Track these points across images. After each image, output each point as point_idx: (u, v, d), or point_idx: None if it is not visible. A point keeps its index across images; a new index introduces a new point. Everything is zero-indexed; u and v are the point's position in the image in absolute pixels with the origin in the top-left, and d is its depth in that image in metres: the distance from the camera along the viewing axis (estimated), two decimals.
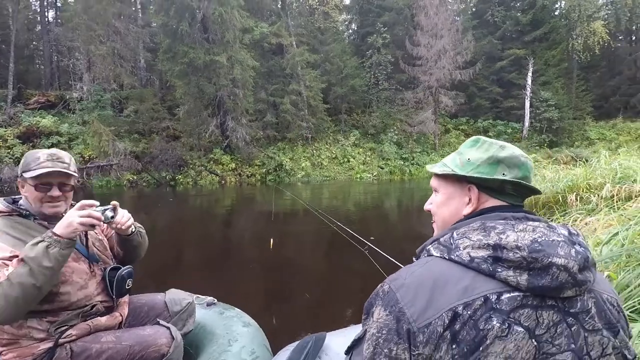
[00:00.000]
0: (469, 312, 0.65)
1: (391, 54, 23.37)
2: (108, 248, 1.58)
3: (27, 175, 1.35)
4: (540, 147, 20.03)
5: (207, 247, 6.19)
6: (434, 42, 21.28)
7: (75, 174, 1.44)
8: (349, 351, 0.79)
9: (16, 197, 1.46)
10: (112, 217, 1.38)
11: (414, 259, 0.84)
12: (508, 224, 0.74)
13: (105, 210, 1.35)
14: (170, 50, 16.87)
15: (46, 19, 26.10)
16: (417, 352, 0.66)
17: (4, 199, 1.42)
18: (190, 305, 1.69)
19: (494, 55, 24.46)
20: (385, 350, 0.68)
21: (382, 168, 19.90)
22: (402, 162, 20.29)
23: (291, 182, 17.39)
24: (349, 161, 20.10)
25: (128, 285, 1.49)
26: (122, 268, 1.49)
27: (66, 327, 1.34)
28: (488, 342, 0.64)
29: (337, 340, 1.27)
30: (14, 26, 20.97)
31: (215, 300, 2.05)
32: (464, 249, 0.72)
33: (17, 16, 21.89)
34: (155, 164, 16.70)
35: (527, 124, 22.77)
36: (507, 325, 0.65)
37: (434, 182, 0.92)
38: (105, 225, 1.42)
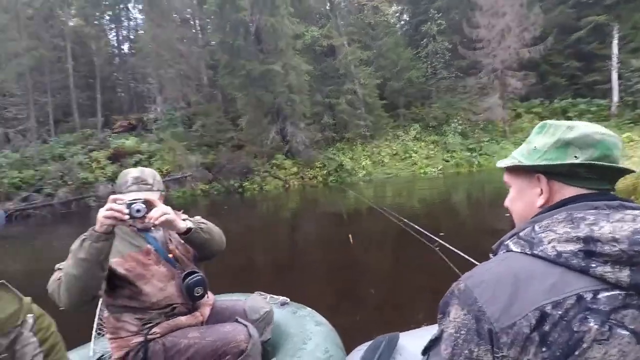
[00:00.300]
0: (559, 312, 0.58)
1: (448, 40, 22.26)
2: (190, 250, 1.64)
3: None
4: (635, 125, 17.64)
5: (277, 249, 6.41)
6: (495, 22, 19.82)
7: (159, 191, 1.54)
8: (425, 352, 0.75)
9: None
10: (139, 212, 1.28)
11: (490, 255, 0.79)
12: (601, 213, 0.66)
13: (132, 204, 1.28)
14: (229, 65, 17.83)
15: (122, 51, 29.14)
16: (501, 354, 0.61)
17: None
18: (268, 315, 1.72)
19: (569, 26, 22.03)
20: (466, 352, 0.64)
21: (447, 161, 18.97)
22: (469, 154, 19.11)
23: (353, 181, 17.36)
24: (411, 156, 19.50)
25: (197, 293, 1.54)
26: (192, 276, 1.54)
27: (152, 324, 1.47)
28: (585, 345, 0.57)
29: (411, 341, 1.25)
30: (98, 61, 23.73)
31: (289, 300, 2.10)
32: (549, 242, 0.65)
33: (99, 52, 24.75)
34: (224, 173, 17.73)
35: (615, 99, 20.17)
36: (607, 327, 0.57)
37: (505, 177, 0.87)
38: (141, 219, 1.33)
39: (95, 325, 1.96)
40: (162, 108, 20.33)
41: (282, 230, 8.44)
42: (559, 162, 0.73)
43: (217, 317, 1.70)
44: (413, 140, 20.43)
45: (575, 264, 0.61)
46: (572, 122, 0.77)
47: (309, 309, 2.04)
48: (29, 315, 0.97)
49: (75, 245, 1.29)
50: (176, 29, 20.13)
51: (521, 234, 0.72)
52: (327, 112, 20.23)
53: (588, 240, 0.62)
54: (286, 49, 17.09)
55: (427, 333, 1.25)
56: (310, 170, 18.21)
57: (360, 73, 20.23)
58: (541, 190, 0.77)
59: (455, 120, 20.63)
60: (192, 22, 26.47)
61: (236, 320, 1.61)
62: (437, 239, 2.49)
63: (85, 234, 1.28)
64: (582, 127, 0.75)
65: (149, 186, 1.51)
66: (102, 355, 1.77)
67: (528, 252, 0.67)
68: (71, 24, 24.20)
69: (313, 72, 18.83)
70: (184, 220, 1.50)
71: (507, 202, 0.87)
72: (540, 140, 0.78)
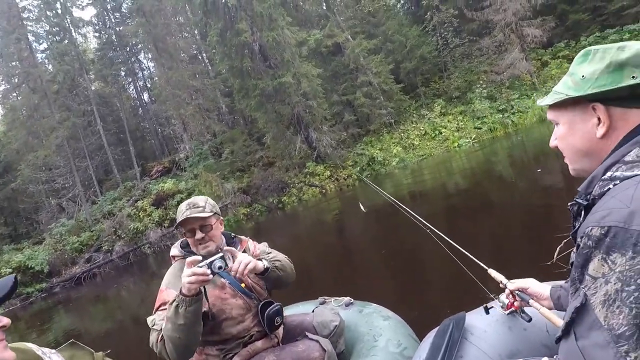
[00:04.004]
0: None
1: (452, 7, 21.55)
2: (261, 278, 1.64)
3: (178, 225, 1.55)
4: None
5: (329, 253, 6.40)
6: None
7: (212, 213, 1.56)
8: (568, 328, 0.63)
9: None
10: (221, 268, 1.32)
11: (569, 206, 0.74)
12: None
13: (213, 262, 1.31)
14: (242, 88, 18.23)
15: (143, 101, 30.65)
16: None
17: (179, 243, 1.66)
18: (338, 327, 1.69)
19: None
20: None
21: (479, 128, 18.21)
22: (501, 115, 18.22)
23: (387, 171, 17.09)
24: (440, 133, 18.92)
25: (277, 322, 1.56)
26: (271, 307, 1.55)
27: (232, 354, 1.52)
28: None
29: (478, 319, 1.24)
30: (124, 116, 25.12)
31: (352, 299, 2.08)
32: None
33: (123, 107, 26.22)
34: (261, 193, 18.05)
35: None
36: None
37: (550, 114, 0.81)
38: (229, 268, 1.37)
39: None
40: (189, 145, 21.12)
41: (328, 235, 8.43)
42: (615, 86, 0.68)
43: (289, 335, 1.70)
44: (439, 116, 19.84)
45: None
46: (621, 42, 0.72)
47: (374, 305, 2.01)
48: None
49: (170, 312, 1.33)
50: (186, 67, 20.92)
51: (627, 158, 0.66)
52: (347, 110, 20.13)
53: None
54: (293, 59, 17.24)
55: (494, 310, 1.21)
56: (343, 171, 18.12)
57: (370, 63, 19.99)
58: (599, 119, 0.72)
59: (479, 85, 19.83)
60: (199, 57, 27.42)
61: (306, 337, 1.60)
62: (433, 229, 2.33)
63: (175, 300, 1.32)
64: (635, 45, 0.70)
65: (200, 208, 1.53)
66: None
67: None
68: (93, 87, 25.84)
69: (324, 74, 18.83)
70: (256, 256, 1.56)
71: (556, 142, 0.81)
72: (588, 69, 0.73)
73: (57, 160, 22.00)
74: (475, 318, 1.25)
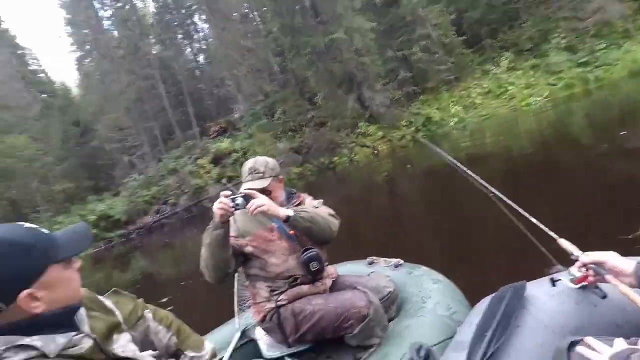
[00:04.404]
0: None
1: None
2: None
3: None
4: None
5: (380, 214, 6.38)
6: None
7: (270, 178, 1.69)
8: None
9: None
10: (239, 205, 1.49)
11: None
12: None
13: (235, 198, 1.50)
14: (293, 47, 17.96)
15: (199, 62, 31.51)
16: None
17: None
18: (392, 294, 1.71)
19: None
20: None
21: (553, 85, 16.28)
22: (581, 69, 15.96)
23: (444, 132, 16.25)
24: (507, 90, 17.31)
25: (313, 267, 1.64)
26: (308, 252, 1.64)
27: (279, 292, 1.64)
28: None
29: (542, 290, 1.14)
30: (182, 78, 26.14)
31: (402, 261, 2.06)
32: None
33: (181, 70, 27.21)
34: (312, 152, 18.20)
35: None
36: None
37: None
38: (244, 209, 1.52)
39: (236, 303, 2.23)
40: (243, 106, 21.60)
41: (379, 196, 8.37)
42: None
43: (340, 289, 1.75)
44: (506, 71, 18.09)
45: None
46: None
47: (424, 267, 1.98)
48: (146, 310, 1.17)
49: (205, 233, 1.56)
50: (238, 27, 20.93)
51: None
52: (402, 66, 19.11)
53: None
54: (345, 13, 16.47)
55: (562, 282, 1.10)
56: (396, 131, 17.56)
57: (430, 14, 18.49)
58: None
59: (556, 35, 17.52)
60: (251, 16, 27.22)
61: (355, 288, 1.64)
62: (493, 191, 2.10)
63: (210, 224, 1.54)
64: None
65: (260, 174, 1.69)
66: (246, 327, 2.04)
67: None
68: (154, 52, 26.97)
69: (378, 28, 17.84)
70: (296, 206, 1.69)
71: None
72: None
73: (127, 121, 23.79)
74: (537, 289, 1.15)
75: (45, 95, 30.99)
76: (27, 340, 0.74)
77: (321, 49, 16.76)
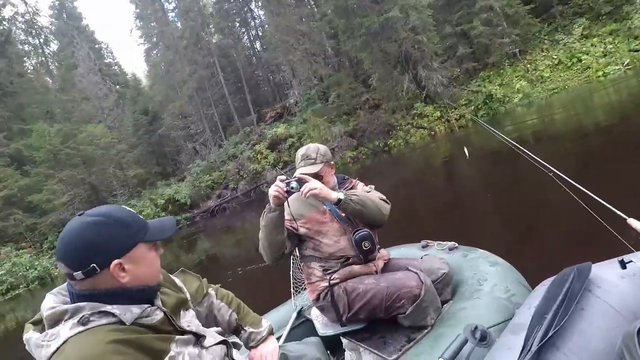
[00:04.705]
0: None
1: None
2: None
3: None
4: None
5: (435, 198, 6.21)
6: None
7: (322, 164, 1.75)
8: None
9: None
10: (293, 188, 1.54)
11: None
12: None
13: (290, 182, 1.54)
14: (347, 29, 17.66)
15: (256, 50, 32.22)
16: None
17: None
18: (446, 276, 1.70)
19: None
20: None
21: (636, 51, 14.45)
22: None
23: (508, 110, 15.16)
24: (579, 60, 15.64)
25: (365, 247, 1.67)
26: (359, 232, 1.68)
27: (332, 271, 1.70)
28: None
29: (609, 272, 1.08)
30: (240, 65, 26.97)
31: (456, 244, 2.03)
32: None
33: (239, 57, 28.06)
34: (367, 136, 18.01)
35: None
36: None
37: None
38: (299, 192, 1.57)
39: (292, 285, 2.34)
40: (298, 90, 21.83)
41: (436, 178, 8.12)
42: None
43: (392, 271, 1.77)
44: (580, 39, 16.31)
45: None
46: None
47: (480, 250, 1.93)
48: (209, 288, 1.29)
49: (261, 216, 1.63)
50: (293, 12, 21.00)
51: None
52: (461, 42, 18.01)
53: None
54: None
55: (633, 264, 1.03)
56: (454, 111, 16.73)
57: None
58: None
59: None
60: (305, 0, 27.12)
61: (407, 269, 1.66)
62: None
63: (265, 207, 1.61)
64: None
65: (312, 160, 1.75)
66: (302, 308, 2.14)
67: None
68: (214, 40, 28.05)
69: (436, 3, 16.93)
70: (347, 190, 1.73)
71: None
72: None
73: (190, 109, 25.21)
74: (604, 270, 1.09)
75: (118, 87, 33.78)
76: (108, 308, 0.84)
77: (376, 29, 16.31)
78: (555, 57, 16.43)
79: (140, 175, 25.49)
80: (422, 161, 11.98)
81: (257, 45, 32.32)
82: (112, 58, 38.00)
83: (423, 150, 13.67)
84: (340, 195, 1.60)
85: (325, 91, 22.06)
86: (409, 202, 6.40)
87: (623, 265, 1.05)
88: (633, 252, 1.10)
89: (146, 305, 0.90)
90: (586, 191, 1.35)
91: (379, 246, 1.80)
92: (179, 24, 27.46)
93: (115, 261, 0.85)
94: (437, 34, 17.37)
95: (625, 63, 14.07)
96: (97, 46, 35.61)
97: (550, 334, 0.97)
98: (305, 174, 1.68)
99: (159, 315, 0.93)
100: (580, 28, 16.50)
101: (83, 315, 0.82)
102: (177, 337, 0.95)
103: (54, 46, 36.49)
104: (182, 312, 1.05)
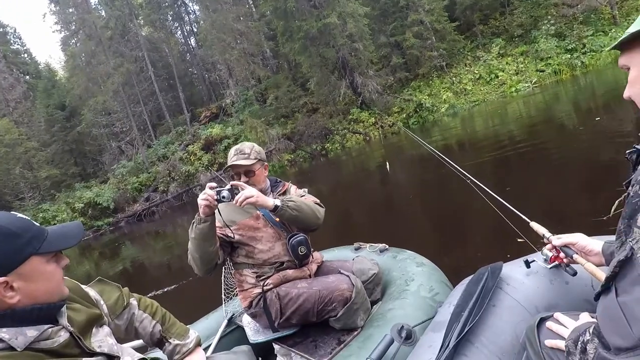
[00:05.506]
0: None
1: None
2: None
3: (226, 168, 1.74)
4: None
5: (368, 201, 6.43)
6: None
7: (255, 160, 1.70)
8: (608, 283, 0.61)
9: None
10: (224, 197, 1.47)
11: (627, 154, 0.70)
12: None
13: (221, 190, 1.48)
14: (286, 31, 17.69)
15: (190, 46, 30.83)
16: None
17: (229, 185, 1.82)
18: (376, 276, 1.74)
19: None
20: None
21: (541, 71, 16.47)
22: (569, 56, 16.24)
23: (436, 119, 16.31)
24: (497, 77, 17.42)
25: (301, 252, 1.67)
26: (295, 237, 1.67)
27: (265, 277, 1.67)
28: None
29: (516, 270, 1.18)
30: (173, 62, 25.59)
31: (387, 246, 2.09)
32: None
33: (172, 53, 26.61)
34: (305, 139, 18.14)
35: None
36: None
37: (622, 60, 0.69)
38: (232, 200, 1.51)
39: (223, 292, 2.27)
40: (235, 90, 21.32)
41: (369, 183, 8.42)
42: None
43: (325, 274, 1.78)
44: (497, 57, 18.16)
45: None
46: None
47: (408, 251, 2.00)
48: (131, 299, 1.18)
49: (190, 228, 1.56)
50: (230, 10, 20.46)
51: None
52: (395, 52, 19.00)
53: None
54: None
55: (535, 263, 1.16)
56: (388, 118, 17.57)
57: None
58: None
59: (546, 21, 17.60)
60: None
61: (339, 272, 1.68)
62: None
63: (195, 218, 1.53)
64: None
65: (245, 155, 1.70)
66: (233, 315, 2.09)
67: None
68: (143, 33, 26.27)
69: (372, 13, 17.64)
70: (280, 196, 1.71)
71: (631, 92, 0.69)
72: None
73: (115, 105, 23.30)
74: (513, 269, 1.20)
75: (28, 77, 30.16)
76: None
77: (314, 33, 16.54)
78: (476, 72, 18.06)
79: (54, 177, 23.00)
80: (357, 165, 12.37)
81: (192, 41, 30.99)
82: (21, 45, 33.73)
83: (358, 155, 14.12)
84: (277, 202, 1.58)
85: (263, 93, 21.83)
86: (344, 205, 6.56)
87: (527, 264, 1.17)
88: (535, 252, 1.22)
89: (46, 326, 0.79)
90: (497, 197, 1.48)
91: (312, 249, 1.81)
92: (102, 12, 25.30)
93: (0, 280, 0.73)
94: (373, 43, 18.12)
95: (534, 81, 15.95)
96: (1, 30, 31.46)
97: (465, 329, 1.03)
98: (238, 165, 1.65)
99: (62, 337, 0.81)
100: (497, 47, 18.36)
101: None
102: None
103: None
104: (94, 330, 0.93)
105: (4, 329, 0.73)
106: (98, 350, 0.89)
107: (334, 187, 9.10)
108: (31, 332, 0.76)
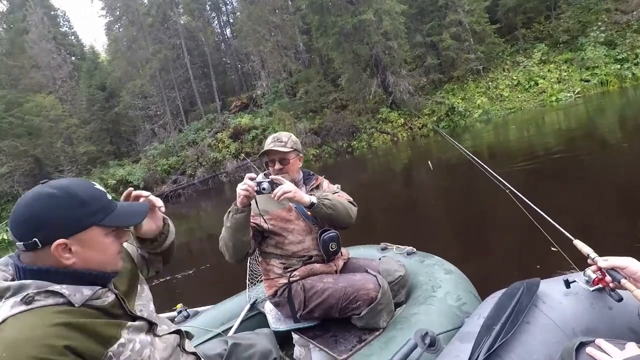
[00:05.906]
0: None
1: None
2: None
3: (262, 153, 1.77)
4: None
5: (394, 202, 6.35)
6: None
7: (291, 149, 1.72)
8: None
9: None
10: (264, 189, 1.49)
11: None
12: None
13: (262, 182, 1.49)
14: (321, 26, 17.64)
15: (226, 36, 31.31)
16: None
17: (263, 173, 1.85)
18: (402, 278, 1.73)
19: None
20: None
21: (586, 81, 15.63)
22: (619, 66, 15.24)
23: (468, 124, 15.86)
24: (536, 84, 16.69)
25: (332, 248, 1.69)
26: (327, 232, 1.69)
27: (292, 269, 1.69)
28: None
29: (555, 289, 1.13)
30: (208, 50, 26.07)
31: (415, 249, 2.07)
32: None
33: (207, 42, 27.10)
34: (331, 135, 18.12)
35: None
36: None
37: None
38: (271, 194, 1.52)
39: (247, 277, 2.32)
40: (266, 82, 21.51)
41: (396, 184, 8.32)
42: None
43: (351, 271, 1.79)
44: (538, 64, 17.40)
45: None
46: None
47: (437, 257, 1.99)
48: None
49: (225, 215, 1.58)
50: (267, 2, 20.61)
51: None
52: (430, 53, 18.60)
53: None
54: None
55: (576, 284, 1.10)
56: (418, 120, 17.26)
57: None
58: None
59: (596, 28, 16.67)
60: None
61: (366, 271, 1.67)
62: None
63: (231, 207, 1.55)
64: None
65: (282, 143, 1.72)
66: (256, 300, 2.13)
67: None
68: (182, 22, 26.88)
69: (409, 11, 17.31)
70: (314, 191, 1.75)
71: None
72: None
73: (151, 90, 24.02)
74: (551, 287, 1.14)
75: (74, 58, 31.48)
76: (56, 287, 0.78)
77: (349, 29, 16.42)
78: (515, 77, 17.40)
79: (92, 153, 24.06)
80: (383, 165, 12.24)
81: (227, 31, 31.44)
82: (69, 27, 35.19)
83: (385, 155, 13.97)
84: (313, 199, 1.59)
85: (294, 86, 21.91)
86: (369, 204, 6.51)
87: (567, 284, 1.11)
88: (577, 271, 1.16)
89: (97, 287, 0.85)
90: (538, 210, 1.41)
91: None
92: (145, 0, 26.04)
93: (60, 240, 0.79)
94: (408, 42, 17.80)
95: (577, 91, 15.19)
96: (52, 12, 32.89)
97: (496, 344, 1.00)
98: (275, 151, 1.68)
99: (110, 298, 0.88)
100: (540, 53, 17.58)
101: (27, 294, 0.75)
102: (129, 323, 0.89)
103: (2, 6, 33.29)
104: (138, 289, 1.01)
105: (65, 285, 0.80)
106: (139, 314, 0.95)
107: (358, 185, 9.05)
108: (87, 291, 0.82)
